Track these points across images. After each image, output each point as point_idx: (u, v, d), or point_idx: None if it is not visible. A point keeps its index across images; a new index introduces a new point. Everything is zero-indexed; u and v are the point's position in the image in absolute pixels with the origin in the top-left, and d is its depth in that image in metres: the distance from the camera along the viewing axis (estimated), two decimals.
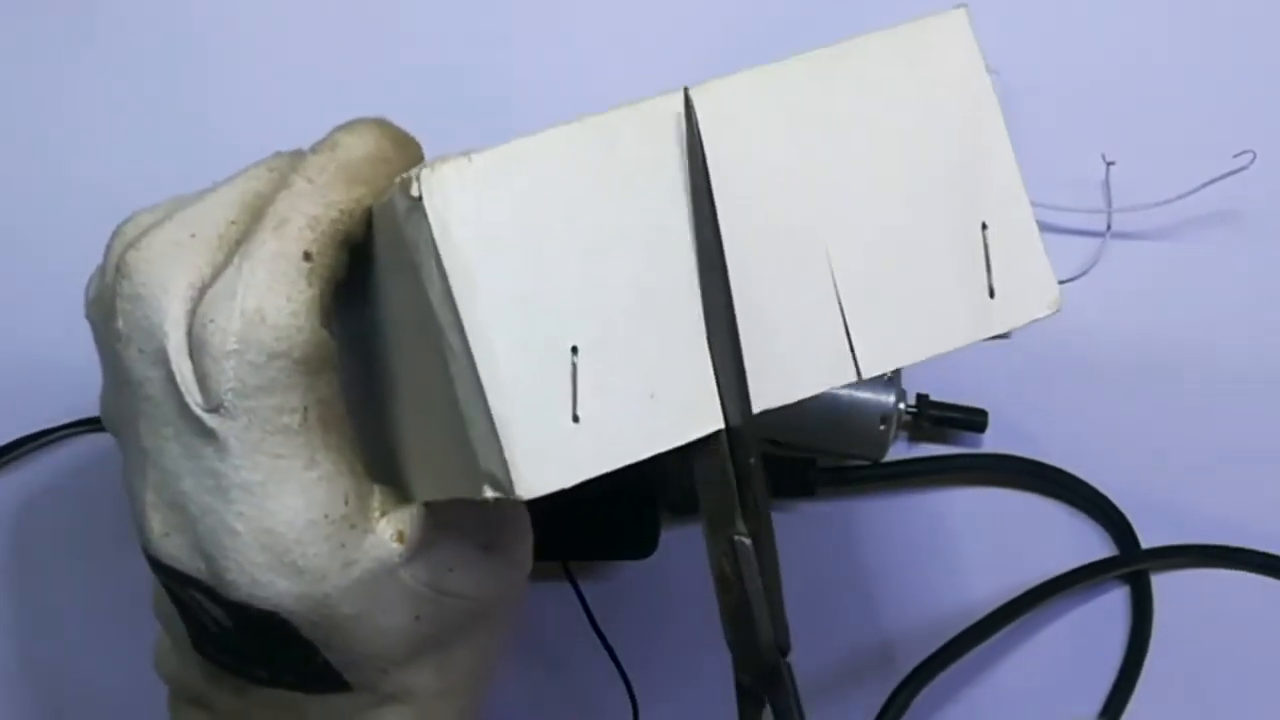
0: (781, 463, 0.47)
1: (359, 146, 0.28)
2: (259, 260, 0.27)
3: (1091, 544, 0.49)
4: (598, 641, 0.45)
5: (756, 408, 0.25)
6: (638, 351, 0.24)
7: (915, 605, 0.48)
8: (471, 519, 0.30)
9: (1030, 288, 0.26)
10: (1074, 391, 0.50)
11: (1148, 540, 0.48)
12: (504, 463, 0.23)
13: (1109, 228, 0.50)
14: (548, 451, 0.24)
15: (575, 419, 0.24)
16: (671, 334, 0.25)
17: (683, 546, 0.48)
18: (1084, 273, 0.50)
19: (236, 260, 0.27)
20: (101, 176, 0.51)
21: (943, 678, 0.46)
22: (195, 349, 0.27)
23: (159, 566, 0.29)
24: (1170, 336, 0.50)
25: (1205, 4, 0.52)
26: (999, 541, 0.49)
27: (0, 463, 0.49)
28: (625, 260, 0.24)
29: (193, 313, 0.27)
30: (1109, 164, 0.49)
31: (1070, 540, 0.49)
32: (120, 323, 0.28)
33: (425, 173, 0.24)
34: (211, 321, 0.26)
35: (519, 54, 0.51)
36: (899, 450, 0.49)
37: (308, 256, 0.27)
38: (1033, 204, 0.49)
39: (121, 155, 0.52)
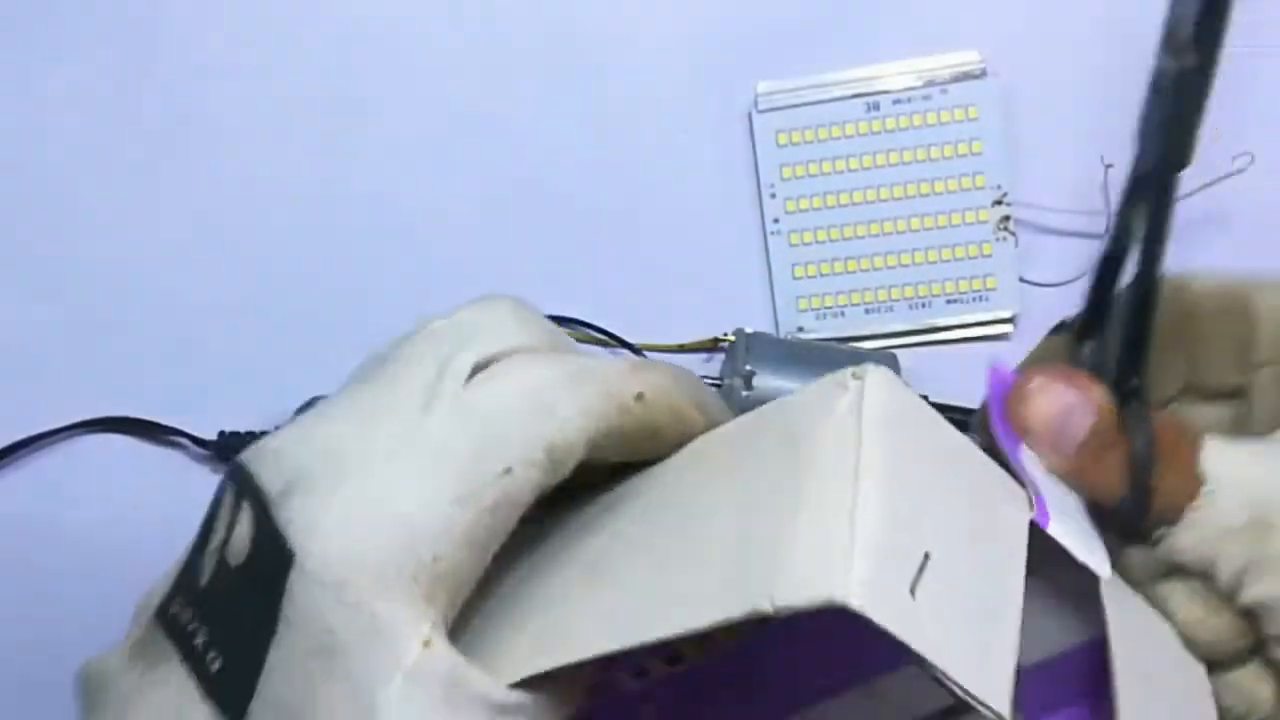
0: None
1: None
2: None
3: None
4: None
5: None
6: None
7: None
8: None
9: None
10: None
11: None
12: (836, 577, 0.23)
13: (1108, 229, 0.50)
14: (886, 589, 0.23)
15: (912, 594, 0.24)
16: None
17: None
18: (1083, 274, 0.50)
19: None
20: (98, 177, 0.51)
21: None
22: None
23: (235, 471, 0.28)
24: None
25: None
26: None
27: (0, 463, 0.49)
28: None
29: None
30: (1107, 166, 0.49)
31: None
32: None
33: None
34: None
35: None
36: None
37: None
38: (1033, 205, 0.50)
39: (120, 156, 0.52)
